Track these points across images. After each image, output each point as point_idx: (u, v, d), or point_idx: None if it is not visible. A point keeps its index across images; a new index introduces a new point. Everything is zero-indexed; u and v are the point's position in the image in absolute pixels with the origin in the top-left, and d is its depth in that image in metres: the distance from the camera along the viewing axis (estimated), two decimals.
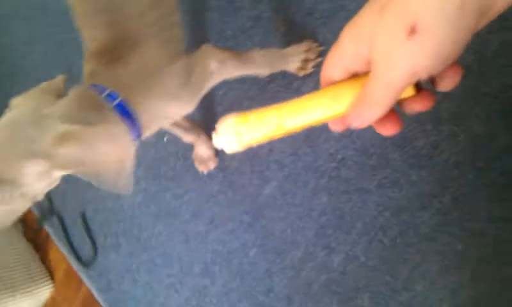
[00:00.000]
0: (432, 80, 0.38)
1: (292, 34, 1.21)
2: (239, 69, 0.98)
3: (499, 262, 0.92)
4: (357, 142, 1.09)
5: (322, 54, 1.15)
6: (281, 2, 1.25)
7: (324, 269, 1.12)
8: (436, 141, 1.00)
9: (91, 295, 1.64)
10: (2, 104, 0.74)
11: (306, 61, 1.12)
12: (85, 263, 1.64)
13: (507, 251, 0.91)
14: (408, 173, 1.03)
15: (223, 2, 1.36)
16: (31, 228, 1.87)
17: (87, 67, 0.81)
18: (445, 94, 0.43)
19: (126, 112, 0.76)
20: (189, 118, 1.19)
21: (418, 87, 0.38)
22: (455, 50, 0.32)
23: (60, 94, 0.72)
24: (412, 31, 0.31)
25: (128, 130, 0.76)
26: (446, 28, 0.30)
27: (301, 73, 1.14)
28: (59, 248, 1.75)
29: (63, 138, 0.63)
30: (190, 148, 1.34)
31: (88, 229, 1.64)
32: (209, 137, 1.28)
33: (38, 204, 1.81)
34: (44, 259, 1.84)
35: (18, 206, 0.67)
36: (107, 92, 0.74)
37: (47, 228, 1.80)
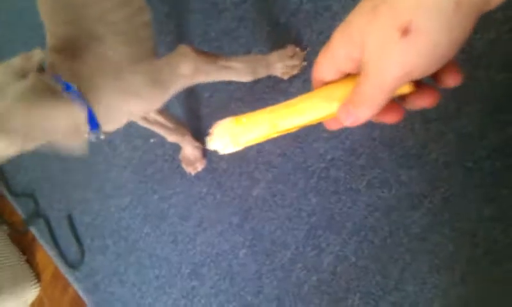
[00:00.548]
0: (433, 77, 0.37)
1: (276, 35, 1.20)
2: (214, 75, 0.97)
3: (489, 262, 0.92)
4: (346, 143, 1.08)
5: (308, 56, 1.14)
6: (265, 2, 1.23)
7: (314, 270, 1.11)
8: (424, 140, 1.00)
9: (79, 297, 1.62)
10: None
11: (290, 66, 1.12)
12: (72, 265, 1.62)
13: (498, 251, 0.91)
14: (398, 172, 1.02)
15: (207, 4, 1.34)
16: (17, 229, 1.84)
17: (47, 62, 0.81)
18: None
19: (81, 102, 0.78)
20: (174, 118, 1.18)
21: (418, 83, 0.38)
22: (450, 50, 0.31)
23: (24, 75, 0.73)
24: (405, 30, 0.30)
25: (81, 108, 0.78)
26: (441, 28, 0.30)
27: (286, 77, 1.14)
28: (45, 250, 1.74)
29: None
30: (177, 149, 1.32)
31: (75, 231, 1.62)
32: (195, 138, 1.26)
33: (24, 206, 1.79)
34: (31, 261, 1.83)
35: None
36: (63, 81, 0.76)
37: (34, 229, 1.78)
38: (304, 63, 1.13)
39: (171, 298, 1.38)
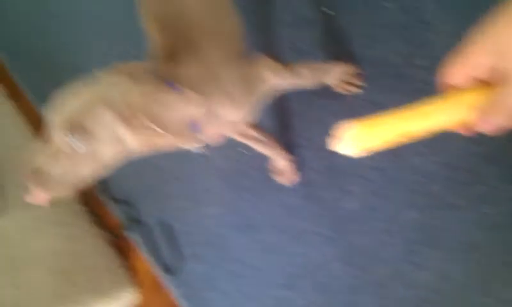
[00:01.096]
0: None
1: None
2: (288, 80, 1.02)
3: None
4: (445, 156, 1.05)
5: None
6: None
7: (412, 286, 1.08)
8: None
9: (174, 302, 1.69)
10: None
11: (346, 82, 1.16)
12: (170, 271, 1.69)
13: None
14: (503, 188, 0.97)
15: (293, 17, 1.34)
16: (116, 235, 1.95)
17: (149, 68, 0.86)
18: None
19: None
20: (265, 132, 1.21)
21: None
22: None
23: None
24: None
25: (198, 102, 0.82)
26: None
27: (338, 90, 1.17)
28: (144, 256, 1.82)
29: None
30: (267, 159, 1.34)
31: (173, 238, 1.69)
32: (286, 150, 1.28)
33: (123, 213, 1.88)
34: (130, 266, 1.92)
35: (84, 167, 0.71)
36: (174, 86, 0.80)
37: (133, 236, 1.87)
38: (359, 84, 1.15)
39: None
